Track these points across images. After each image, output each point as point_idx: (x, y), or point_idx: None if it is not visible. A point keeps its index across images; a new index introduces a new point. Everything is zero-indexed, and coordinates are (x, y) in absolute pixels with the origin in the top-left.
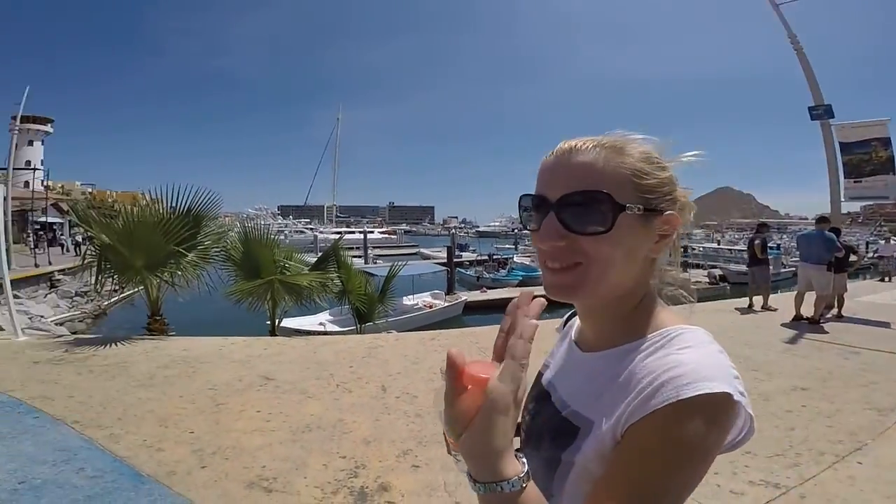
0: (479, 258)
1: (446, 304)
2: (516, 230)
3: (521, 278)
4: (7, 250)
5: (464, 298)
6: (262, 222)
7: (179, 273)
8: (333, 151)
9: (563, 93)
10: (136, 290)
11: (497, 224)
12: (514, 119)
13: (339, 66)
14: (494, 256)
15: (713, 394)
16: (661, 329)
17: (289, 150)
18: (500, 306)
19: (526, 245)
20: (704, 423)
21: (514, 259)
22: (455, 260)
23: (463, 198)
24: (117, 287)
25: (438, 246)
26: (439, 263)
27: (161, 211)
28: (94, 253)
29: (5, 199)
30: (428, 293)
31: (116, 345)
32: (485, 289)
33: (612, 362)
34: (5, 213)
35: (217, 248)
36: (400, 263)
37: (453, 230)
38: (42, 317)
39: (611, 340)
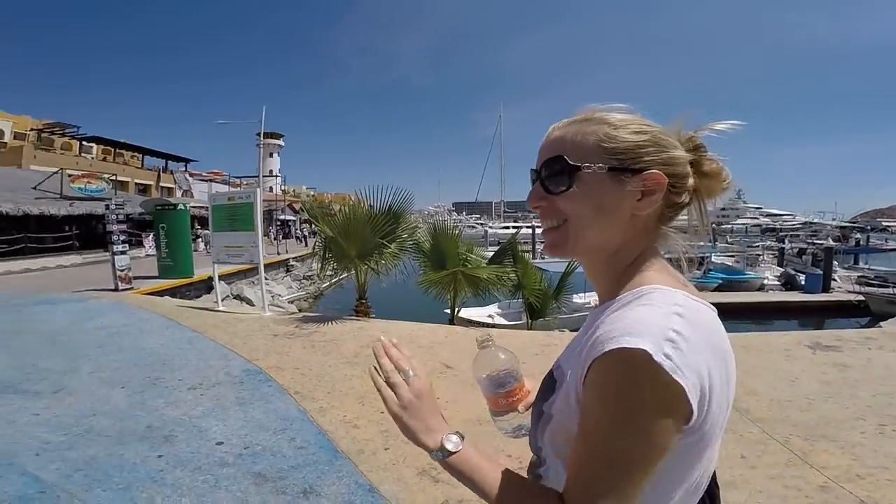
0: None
1: None
2: (713, 225)
3: (720, 282)
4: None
5: None
6: (440, 218)
7: (383, 262)
8: (499, 149)
9: (754, 65)
10: (346, 275)
11: (685, 218)
12: (703, 97)
13: (499, 64)
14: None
15: (628, 349)
16: (637, 287)
17: (460, 151)
18: None
19: (728, 243)
20: (621, 379)
21: (712, 258)
22: None
23: None
24: (334, 272)
25: None
26: None
27: (369, 209)
28: (320, 244)
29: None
30: None
31: (332, 323)
32: None
33: (595, 318)
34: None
35: (411, 241)
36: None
37: None
38: (280, 295)
39: (604, 298)
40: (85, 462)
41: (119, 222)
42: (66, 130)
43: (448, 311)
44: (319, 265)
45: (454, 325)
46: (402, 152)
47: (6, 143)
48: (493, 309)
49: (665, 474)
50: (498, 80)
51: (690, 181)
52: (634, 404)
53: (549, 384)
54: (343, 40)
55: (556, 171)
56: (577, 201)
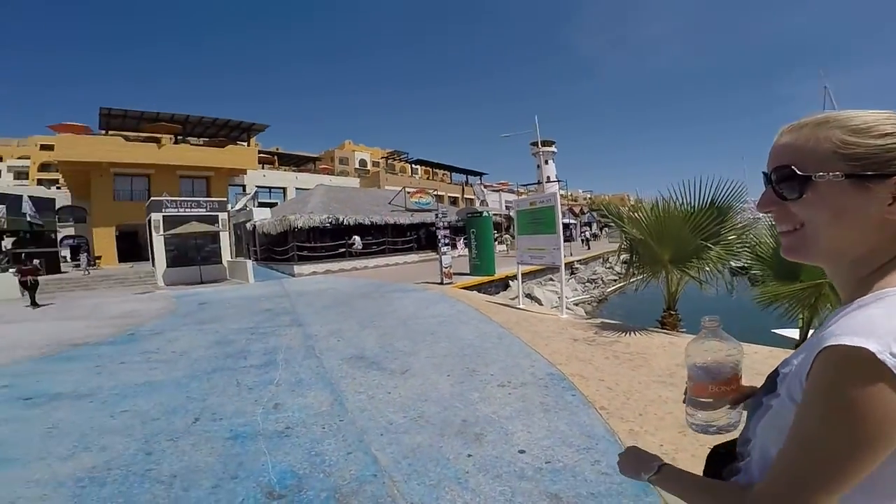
0: None
1: None
2: None
3: None
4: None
5: None
6: (750, 215)
7: (707, 269)
8: None
9: None
10: (629, 281)
11: None
12: None
13: (800, 28)
14: None
15: (851, 346)
16: (882, 290)
17: (770, 134)
18: None
19: None
20: (840, 376)
21: None
22: None
23: None
24: (641, 277)
25: None
26: None
27: (687, 206)
28: (625, 246)
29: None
30: None
31: (635, 334)
32: None
33: (829, 319)
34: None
35: (740, 242)
36: None
37: None
38: (566, 297)
39: (846, 303)
40: (412, 449)
41: (444, 228)
42: (401, 156)
43: (782, 331)
44: (625, 270)
45: None
46: (689, 146)
47: (368, 169)
48: None
49: (882, 481)
50: (807, 45)
51: None
52: (851, 403)
53: (774, 378)
54: (598, 36)
55: (785, 178)
56: (812, 207)
